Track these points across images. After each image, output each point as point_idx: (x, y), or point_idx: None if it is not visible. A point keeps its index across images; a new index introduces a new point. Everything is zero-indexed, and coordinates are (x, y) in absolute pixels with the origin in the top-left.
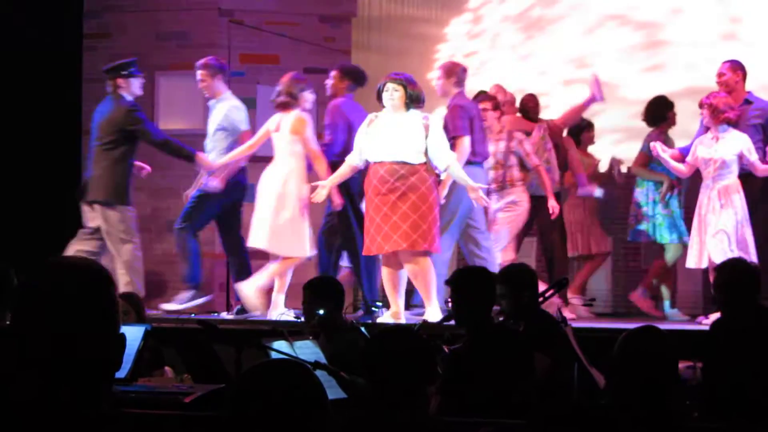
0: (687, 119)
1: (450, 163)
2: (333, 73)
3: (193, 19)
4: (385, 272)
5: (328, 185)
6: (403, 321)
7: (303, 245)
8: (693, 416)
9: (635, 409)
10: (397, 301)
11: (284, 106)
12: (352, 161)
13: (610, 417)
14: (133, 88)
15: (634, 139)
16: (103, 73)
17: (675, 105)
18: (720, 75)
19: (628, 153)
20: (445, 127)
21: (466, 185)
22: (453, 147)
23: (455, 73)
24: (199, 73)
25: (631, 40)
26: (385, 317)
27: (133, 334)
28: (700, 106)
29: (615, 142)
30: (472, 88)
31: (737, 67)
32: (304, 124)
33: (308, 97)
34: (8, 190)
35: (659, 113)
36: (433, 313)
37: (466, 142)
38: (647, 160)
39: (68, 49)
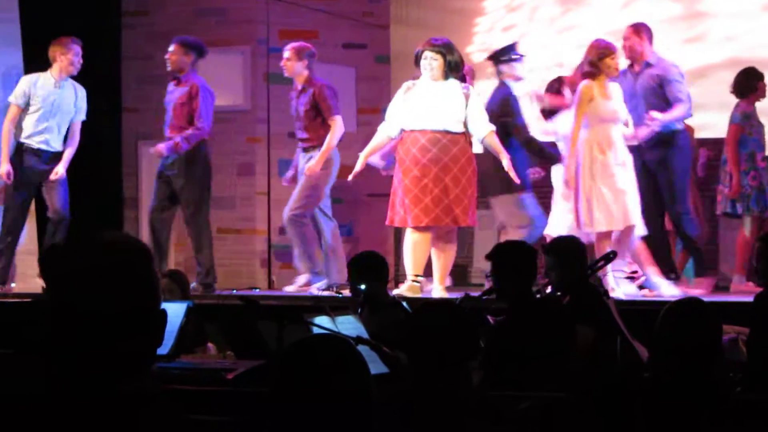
0: (727, 91)
1: (488, 132)
2: (173, 48)
3: None
4: (414, 243)
5: (362, 158)
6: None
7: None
8: (736, 388)
9: (678, 381)
10: (419, 276)
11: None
12: (388, 131)
13: (653, 389)
14: (516, 72)
15: None
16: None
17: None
18: (624, 39)
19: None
20: (315, 108)
21: (502, 157)
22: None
23: (306, 55)
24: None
25: (670, 11)
26: (401, 290)
27: (176, 311)
28: None
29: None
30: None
31: (641, 30)
32: None
33: None
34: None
35: (749, 84)
36: (441, 291)
37: (339, 121)
38: (740, 131)
39: (107, 27)
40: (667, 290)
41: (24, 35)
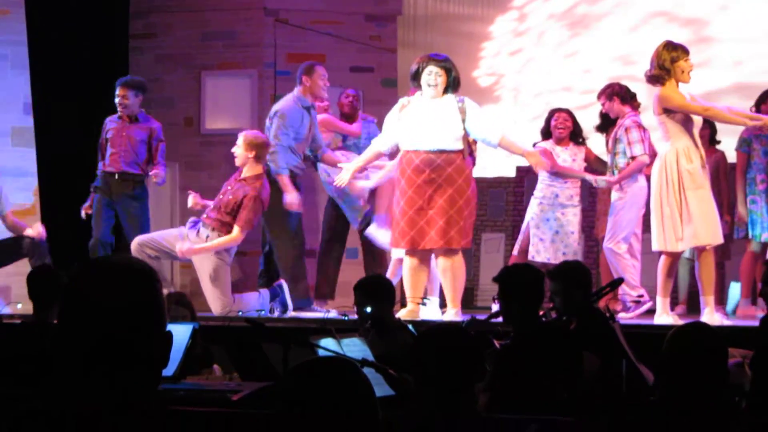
0: None
1: (503, 133)
2: (123, 92)
3: (239, 19)
4: (410, 266)
5: (351, 169)
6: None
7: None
8: (743, 411)
9: (684, 405)
10: (414, 299)
11: None
12: (378, 146)
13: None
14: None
15: None
16: None
17: None
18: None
19: None
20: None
21: (523, 153)
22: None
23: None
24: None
25: (677, 36)
26: (401, 314)
27: (181, 333)
28: None
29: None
30: (516, 85)
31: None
32: None
33: None
34: (62, 193)
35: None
36: (453, 316)
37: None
38: (746, 158)
39: (115, 50)
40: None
41: (32, 58)
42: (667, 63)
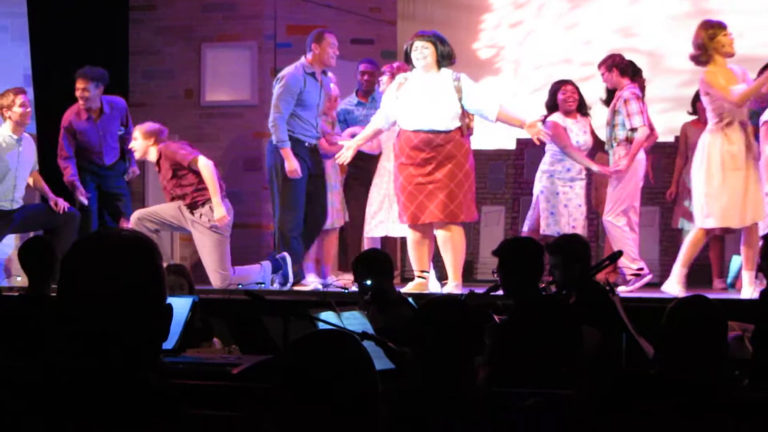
0: None
1: (500, 107)
2: (84, 84)
3: None
4: (413, 240)
5: (353, 146)
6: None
7: None
8: (743, 386)
9: (684, 378)
10: (424, 272)
11: None
12: (377, 124)
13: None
14: None
15: (682, 108)
16: None
17: None
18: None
19: (676, 121)
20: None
21: (523, 124)
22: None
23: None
24: None
25: (677, 8)
26: (408, 287)
27: (181, 306)
28: None
29: (662, 111)
30: (516, 58)
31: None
32: None
33: None
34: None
35: None
36: (453, 288)
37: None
38: None
39: (115, 22)
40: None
41: (32, 30)
42: (706, 41)
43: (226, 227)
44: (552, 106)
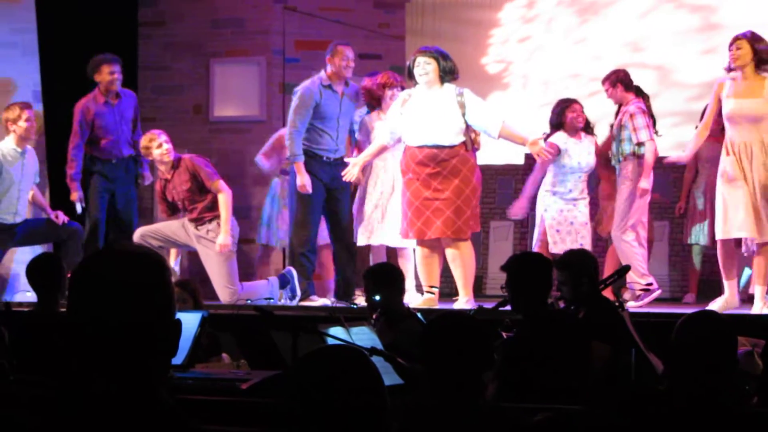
0: None
1: (503, 124)
2: (119, 68)
3: (247, 6)
4: (421, 255)
5: (359, 163)
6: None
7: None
8: (753, 401)
9: (693, 393)
10: (433, 287)
11: None
12: (383, 140)
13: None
14: None
15: (691, 122)
16: None
17: None
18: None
19: (686, 136)
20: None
21: (525, 141)
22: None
23: None
24: None
25: (686, 23)
26: (418, 302)
27: (190, 321)
28: None
29: (671, 126)
30: (525, 72)
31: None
32: None
33: None
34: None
35: None
36: (464, 304)
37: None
38: None
39: (124, 37)
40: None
41: (41, 46)
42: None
43: (233, 243)
44: (557, 124)
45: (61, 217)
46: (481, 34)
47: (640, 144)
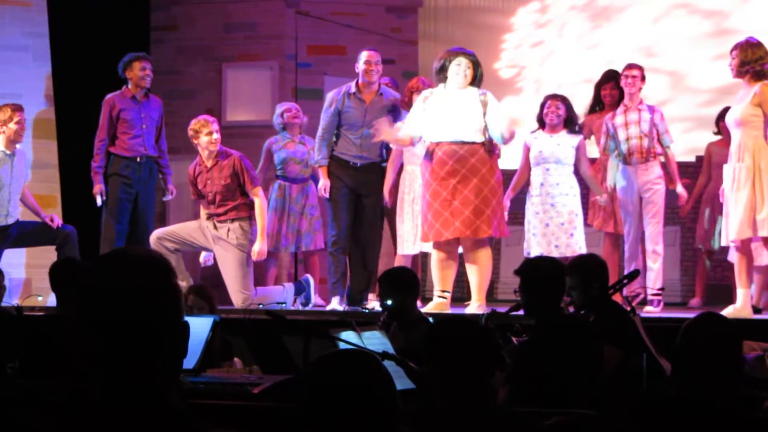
0: None
1: (512, 134)
2: (150, 65)
3: (260, 11)
4: (437, 259)
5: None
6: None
7: None
8: (763, 405)
9: (700, 397)
10: (446, 292)
11: None
12: (409, 131)
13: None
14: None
15: (704, 128)
16: None
17: None
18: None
19: (698, 141)
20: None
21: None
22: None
23: None
24: None
25: (698, 28)
26: (429, 307)
27: (202, 326)
28: None
29: (683, 131)
30: (538, 77)
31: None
32: None
33: None
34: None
35: None
36: (476, 309)
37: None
38: None
39: (137, 42)
40: None
41: (53, 50)
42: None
43: (250, 245)
44: (541, 120)
45: (56, 221)
46: (494, 39)
47: (667, 147)
